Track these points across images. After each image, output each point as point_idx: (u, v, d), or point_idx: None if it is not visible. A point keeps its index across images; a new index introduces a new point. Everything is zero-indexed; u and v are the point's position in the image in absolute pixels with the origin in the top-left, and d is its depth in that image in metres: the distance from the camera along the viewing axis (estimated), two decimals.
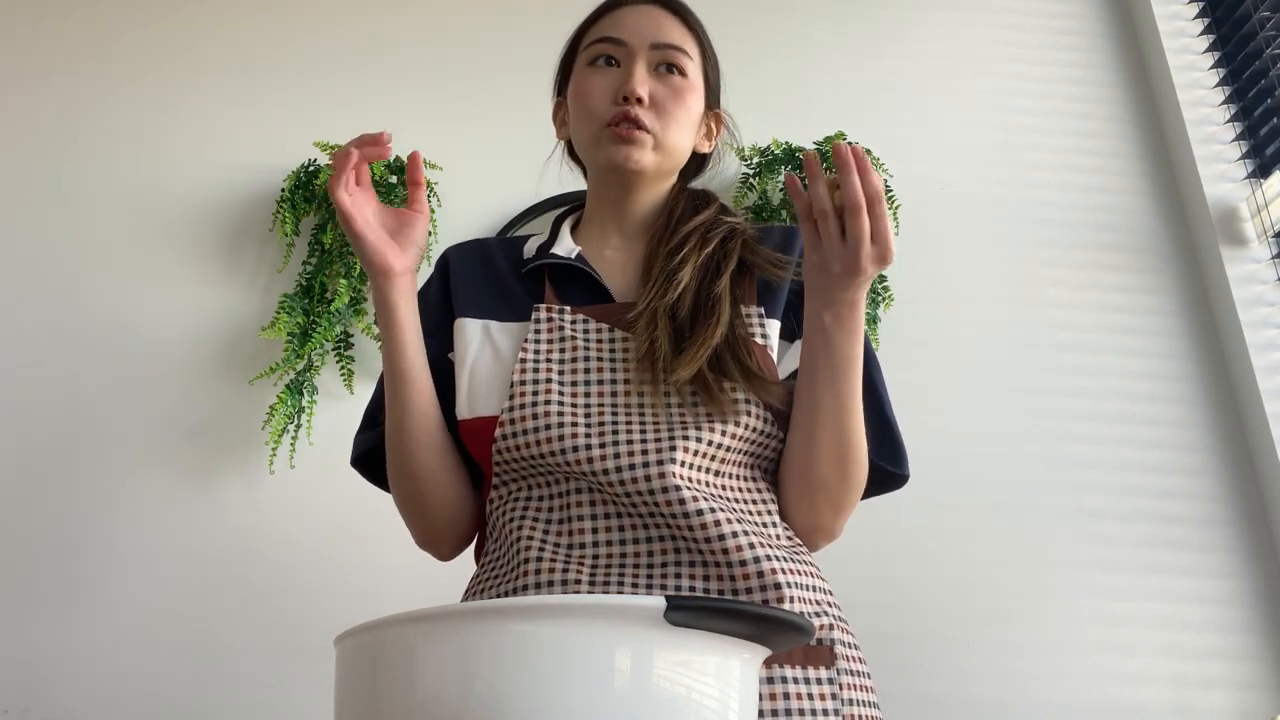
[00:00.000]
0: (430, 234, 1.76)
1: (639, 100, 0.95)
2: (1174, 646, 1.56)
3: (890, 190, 1.79)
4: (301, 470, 1.64)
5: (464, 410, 0.93)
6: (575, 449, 0.85)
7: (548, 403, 0.87)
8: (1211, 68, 1.94)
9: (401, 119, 1.91)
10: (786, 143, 1.83)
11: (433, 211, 1.79)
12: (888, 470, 0.95)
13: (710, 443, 0.87)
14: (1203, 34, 1.97)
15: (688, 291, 0.93)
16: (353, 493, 1.63)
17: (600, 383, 0.90)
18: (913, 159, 1.89)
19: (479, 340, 0.96)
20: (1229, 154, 1.86)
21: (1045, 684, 1.53)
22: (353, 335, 1.71)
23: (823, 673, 0.82)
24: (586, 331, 0.93)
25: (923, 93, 1.98)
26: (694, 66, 0.99)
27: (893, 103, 1.97)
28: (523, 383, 0.89)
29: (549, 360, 0.91)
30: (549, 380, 0.89)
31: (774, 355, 0.93)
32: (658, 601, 0.59)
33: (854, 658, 0.87)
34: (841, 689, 0.82)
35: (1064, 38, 2.05)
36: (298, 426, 1.63)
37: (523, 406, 0.88)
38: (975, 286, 1.81)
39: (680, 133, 0.98)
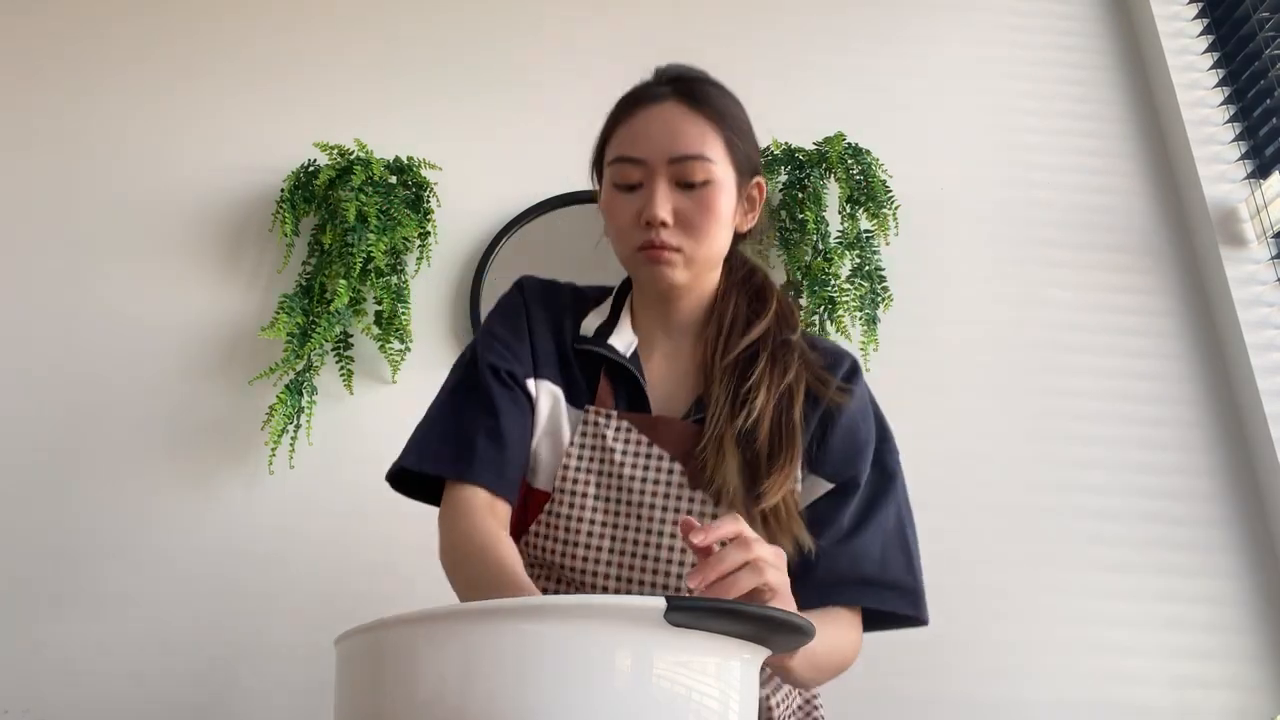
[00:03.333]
0: (430, 234, 1.77)
1: (663, 223, 0.93)
2: (1174, 647, 1.56)
3: (890, 190, 1.79)
4: (301, 470, 1.64)
5: (530, 476, 0.97)
6: (594, 574, 0.90)
7: (580, 519, 0.92)
8: (1211, 68, 1.94)
9: (401, 119, 1.91)
10: (786, 143, 1.83)
11: (432, 212, 1.79)
12: (910, 617, 0.97)
13: None
14: (1202, 34, 1.97)
15: (764, 418, 0.93)
16: (353, 493, 1.63)
17: (629, 504, 0.92)
18: (913, 159, 1.89)
19: (548, 414, 0.98)
20: (1229, 154, 1.86)
21: (1045, 684, 1.53)
22: (352, 335, 1.71)
23: None
24: (627, 443, 0.95)
25: (923, 93, 1.98)
26: (719, 165, 0.95)
27: (893, 103, 1.97)
28: (561, 490, 0.94)
29: (588, 470, 0.94)
30: (585, 494, 0.93)
31: (797, 497, 0.94)
32: (658, 602, 0.59)
33: None
34: None
35: (1064, 38, 2.05)
36: (297, 427, 1.63)
37: (558, 515, 0.93)
38: (974, 286, 1.81)
39: (711, 242, 0.96)
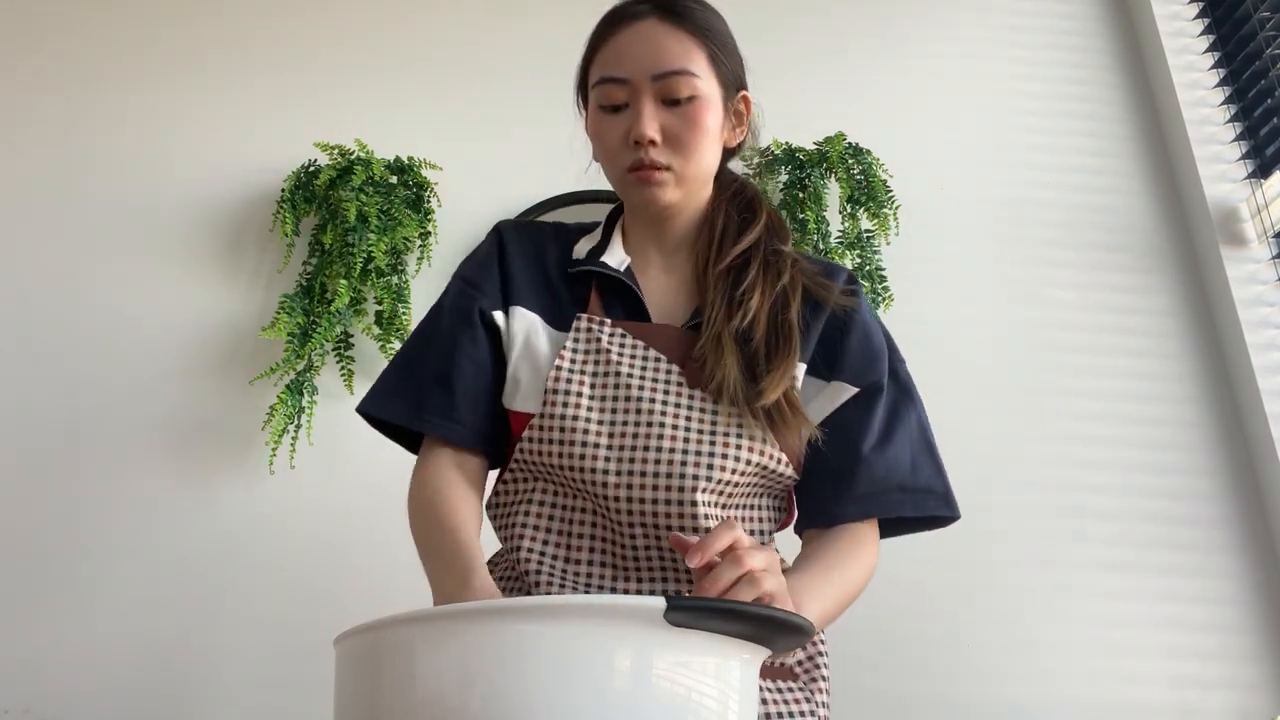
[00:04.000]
0: (430, 234, 1.77)
1: (652, 142, 0.93)
2: (1174, 646, 1.56)
3: (890, 190, 1.79)
4: (301, 470, 1.64)
5: (507, 400, 0.96)
6: (593, 469, 0.88)
7: (575, 417, 0.90)
8: (1211, 68, 1.94)
9: (401, 119, 1.91)
10: (786, 143, 1.83)
11: (432, 211, 1.79)
12: (944, 517, 0.97)
13: (729, 479, 0.89)
14: (1203, 34, 1.97)
15: (759, 318, 0.94)
16: (353, 493, 1.63)
17: (628, 399, 0.91)
18: (913, 159, 1.89)
19: (523, 339, 0.97)
20: (1229, 154, 1.86)
21: (1046, 684, 1.53)
22: (353, 335, 1.71)
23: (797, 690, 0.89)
24: (622, 346, 0.95)
25: (923, 92, 1.98)
26: (703, 79, 0.95)
27: (892, 102, 1.97)
28: (554, 391, 0.92)
29: (582, 372, 0.93)
30: (579, 394, 0.91)
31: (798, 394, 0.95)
32: (658, 602, 0.59)
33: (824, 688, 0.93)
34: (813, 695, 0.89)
35: (1064, 38, 2.05)
36: (298, 427, 1.63)
37: (552, 416, 0.91)
38: (975, 286, 1.81)
39: (700, 157, 0.96)
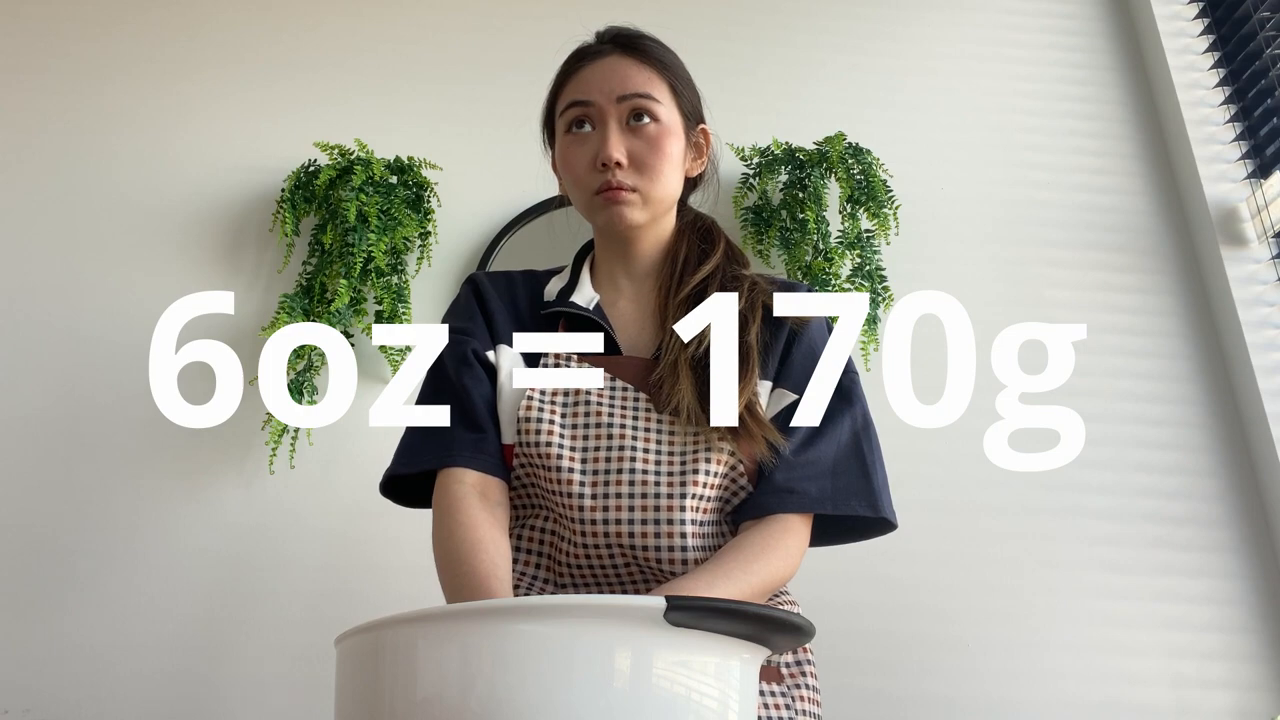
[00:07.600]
0: (430, 234, 1.77)
1: (618, 164, 0.98)
2: (1174, 646, 1.56)
3: (890, 190, 1.79)
4: (301, 471, 1.64)
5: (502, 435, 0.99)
6: (569, 494, 0.91)
7: (548, 444, 0.93)
8: (1211, 68, 1.94)
9: (401, 118, 1.91)
10: (786, 143, 1.83)
11: (432, 211, 1.79)
12: (872, 519, 0.97)
13: (702, 493, 0.91)
14: (1203, 34, 1.97)
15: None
16: (353, 493, 1.63)
17: (598, 425, 0.94)
18: (913, 159, 1.89)
19: (507, 375, 1.00)
20: (1229, 154, 1.86)
21: (1046, 684, 1.53)
22: (353, 335, 1.71)
23: (775, 687, 0.89)
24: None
25: (923, 92, 1.98)
26: (665, 106, 1.01)
27: (893, 103, 1.97)
28: (526, 419, 0.95)
29: (552, 402, 0.96)
30: (551, 421, 0.94)
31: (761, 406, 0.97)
32: (658, 602, 0.59)
33: (811, 673, 0.94)
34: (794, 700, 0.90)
35: (1064, 38, 2.05)
36: (297, 427, 1.63)
37: (527, 444, 0.94)
38: (975, 286, 1.81)
39: (664, 180, 1.00)
